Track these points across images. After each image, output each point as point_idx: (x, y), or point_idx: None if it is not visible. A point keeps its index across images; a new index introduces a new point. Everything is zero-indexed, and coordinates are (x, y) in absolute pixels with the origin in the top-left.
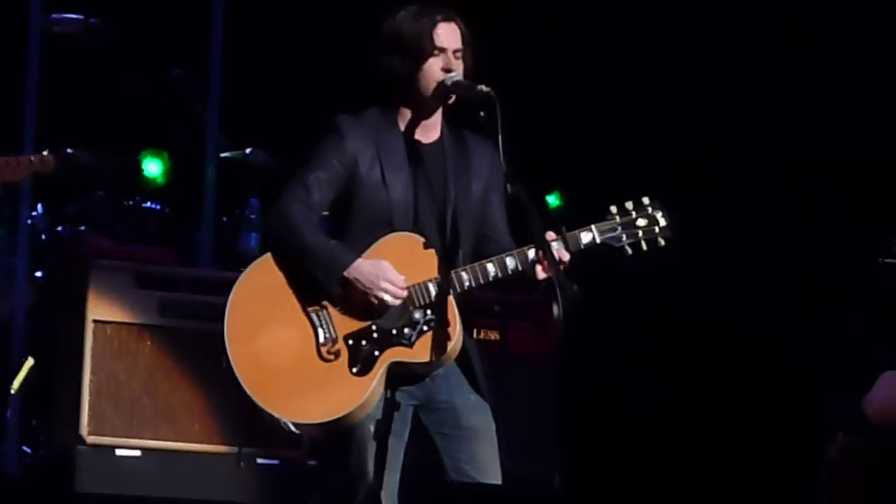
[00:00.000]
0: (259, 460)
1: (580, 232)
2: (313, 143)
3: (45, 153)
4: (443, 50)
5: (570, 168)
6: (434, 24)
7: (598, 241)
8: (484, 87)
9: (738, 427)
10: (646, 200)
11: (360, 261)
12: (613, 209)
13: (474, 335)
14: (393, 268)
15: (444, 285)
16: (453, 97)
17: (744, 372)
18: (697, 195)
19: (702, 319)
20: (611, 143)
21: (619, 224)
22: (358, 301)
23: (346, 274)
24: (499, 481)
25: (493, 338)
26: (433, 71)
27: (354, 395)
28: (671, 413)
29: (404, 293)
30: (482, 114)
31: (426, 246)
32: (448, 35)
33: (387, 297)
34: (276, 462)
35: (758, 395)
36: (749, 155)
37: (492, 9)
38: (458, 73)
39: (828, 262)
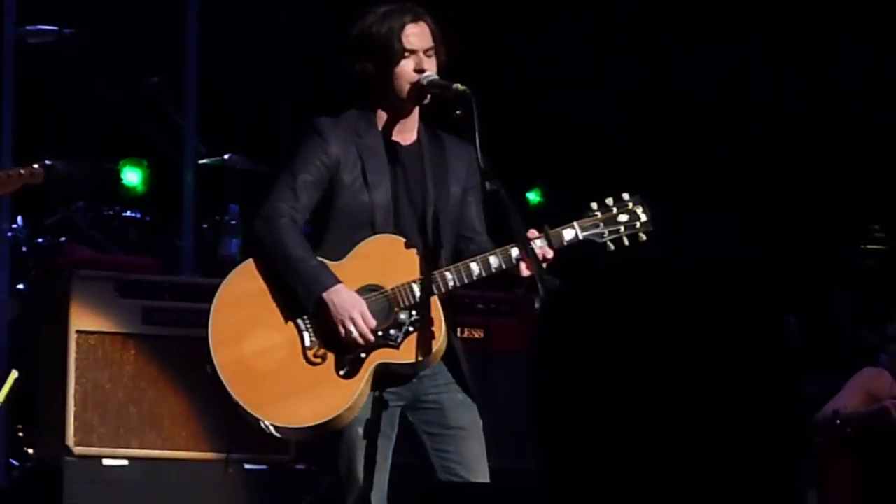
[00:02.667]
0: (246, 466)
1: (563, 229)
2: (294, 146)
3: (35, 166)
4: (413, 51)
5: (551, 164)
6: (402, 26)
7: (580, 237)
8: (459, 86)
9: (717, 417)
10: (626, 196)
11: (340, 287)
12: (594, 205)
13: (458, 334)
14: (369, 307)
15: (428, 286)
16: (429, 97)
17: (723, 361)
18: (676, 185)
19: (678, 307)
20: (591, 137)
21: (600, 220)
22: (329, 322)
23: (324, 296)
24: (487, 479)
25: (476, 336)
26: (406, 72)
27: (342, 397)
28: (650, 406)
29: (371, 336)
30: (458, 112)
31: (408, 247)
32: (418, 35)
33: (352, 330)
34: (263, 467)
35: (737, 384)
36: (729, 143)
37: (467, 4)
38: (431, 72)
39: (812, 248)
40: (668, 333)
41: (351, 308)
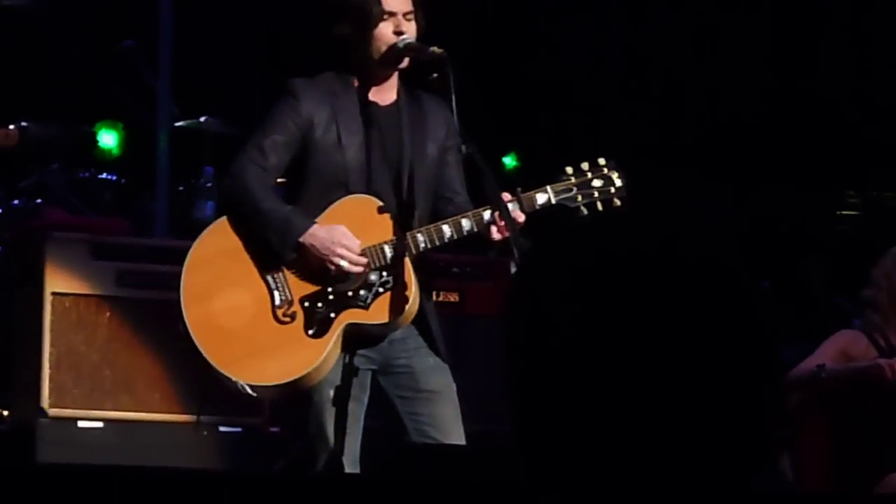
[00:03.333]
0: (221, 428)
1: (535, 193)
2: (268, 106)
3: (10, 127)
4: (392, 14)
5: (527, 129)
6: None
7: (553, 201)
8: (436, 49)
9: (690, 377)
10: (601, 161)
11: (315, 226)
12: (569, 170)
13: (433, 297)
14: (349, 233)
15: (400, 247)
16: (406, 60)
17: (696, 319)
18: (652, 150)
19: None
20: (569, 102)
21: (574, 185)
22: (313, 266)
23: (301, 240)
24: (462, 441)
25: (452, 300)
26: (384, 35)
27: (310, 357)
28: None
29: (362, 259)
30: (434, 75)
31: (382, 208)
32: None
33: (343, 263)
34: (238, 429)
35: (710, 342)
36: (708, 111)
37: None
38: (409, 36)
39: (786, 214)
40: (640, 292)
41: (332, 243)
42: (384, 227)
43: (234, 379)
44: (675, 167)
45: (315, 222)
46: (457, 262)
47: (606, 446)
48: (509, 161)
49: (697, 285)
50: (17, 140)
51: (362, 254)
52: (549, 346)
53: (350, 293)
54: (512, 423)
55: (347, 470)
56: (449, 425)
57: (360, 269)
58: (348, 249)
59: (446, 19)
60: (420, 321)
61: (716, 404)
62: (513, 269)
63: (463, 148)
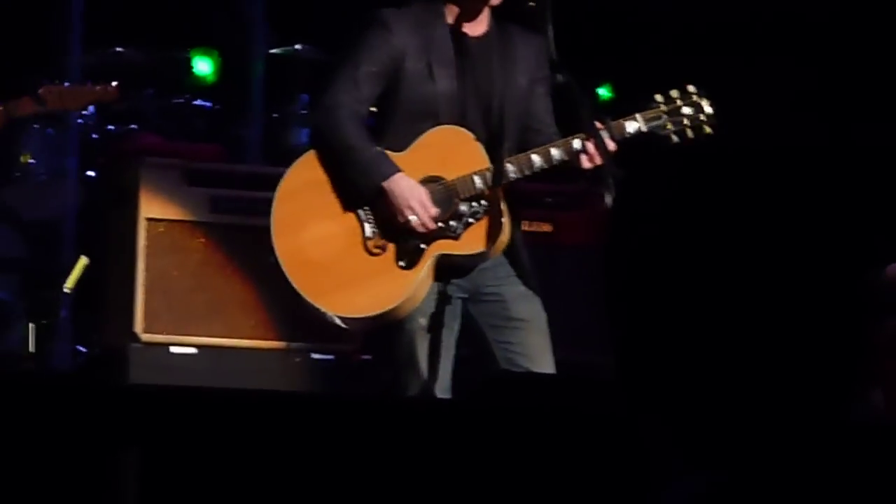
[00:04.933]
0: (312, 355)
1: (625, 121)
2: (358, 35)
3: (113, 84)
4: None
5: (622, 60)
6: None
7: (643, 129)
8: None
9: (787, 305)
10: (691, 88)
11: (399, 175)
12: (658, 97)
13: (525, 227)
14: (428, 196)
15: (490, 177)
16: None
17: (796, 244)
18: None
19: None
20: (665, 34)
21: (663, 112)
22: (390, 213)
23: (383, 185)
24: (552, 370)
25: (544, 229)
26: None
27: (401, 288)
28: (721, 298)
29: (431, 224)
30: (531, 3)
31: (471, 139)
32: None
33: (412, 218)
34: (330, 357)
35: (807, 269)
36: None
37: None
38: None
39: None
40: (740, 215)
41: (410, 196)
42: (473, 158)
43: (324, 311)
44: (767, 98)
45: (400, 170)
46: (549, 192)
47: (706, 374)
48: (604, 92)
49: (792, 212)
50: (117, 96)
51: (451, 184)
52: (648, 272)
53: (440, 224)
54: (612, 351)
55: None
56: (539, 354)
57: (424, 229)
58: (423, 206)
59: None
60: (510, 250)
61: (810, 335)
62: (607, 199)
63: (558, 77)
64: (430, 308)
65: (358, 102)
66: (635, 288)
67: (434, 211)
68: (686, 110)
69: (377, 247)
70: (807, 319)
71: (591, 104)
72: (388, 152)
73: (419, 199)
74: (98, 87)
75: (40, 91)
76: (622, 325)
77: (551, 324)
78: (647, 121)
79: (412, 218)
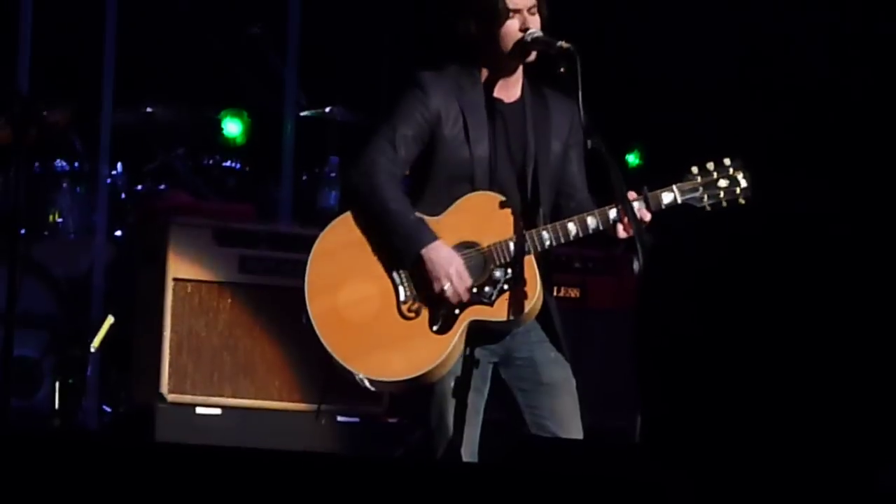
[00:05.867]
0: (339, 417)
1: (662, 192)
2: (395, 98)
3: (63, 108)
4: (517, 10)
5: (651, 126)
6: None
7: (679, 201)
8: (564, 43)
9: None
10: (727, 161)
11: (438, 243)
12: (694, 169)
13: (554, 293)
14: (466, 265)
15: (524, 244)
16: (533, 54)
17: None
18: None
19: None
20: (693, 100)
21: (700, 185)
22: (425, 279)
23: (422, 252)
24: (580, 436)
25: (573, 294)
26: (510, 31)
27: (434, 352)
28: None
29: (466, 295)
30: (562, 69)
31: (506, 204)
32: None
33: (448, 288)
34: (356, 419)
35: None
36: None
37: None
38: (536, 29)
39: None
40: (773, 282)
41: (447, 265)
42: (508, 224)
43: (356, 373)
44: (800, 164)
45: (437, 238)
46: (579, 257)
47: (734, 441)
48: (633, 158)
49: (831, 267)
50: (68, 120)
51: (486, 251)
52: (677, 341)
53: (475, 290)
54: (640, 418)
55: (466, 461)
56: (567, 419)
57: (458, 300)
58: (460, 278)
59: (572, 14)
60: (542, 316)
61: (843, 401)
62: (636, 266)
63: (589, 142)
64: (460, 371)
65: (395, 164)
66: (665, 352)
67: (469, 282)
68: (722, 183)
69: (411, 310)
70: (839, 386)
71: (621, 171)
72: (425, 216)
73: (456, 270)
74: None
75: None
76: (651, 388)
77: (580, 389)
78: (683, 192)
79: (447, 288)
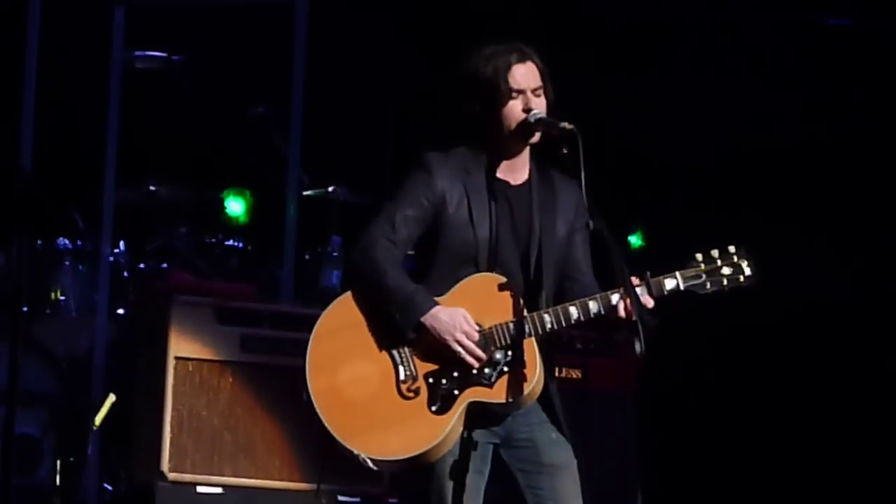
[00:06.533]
0: (340, 497)
1: (664, 278)
2: (400, 178)
3: None
4: (521, 91)
5: (653, 207)
6: (509, 66)
7: (681, 287)
8: (567, 124)
9: (827, 454)
10: (731, 248)
11: (437, 308)
12: (699, 256)
13: (555, 374)
14: (470, 318)
15: (526, 327)
16: (537, 135)
17: (835, 387)
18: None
19: (783, 339)
20: (694, 181)
21: (703, 272)
22: (433, 347)
23: (422, 320)
24: None
25: (574, 376)
26: (514, 112)
27: (433, 433)
28: (757, 444)
29: (478, 352)
30: (565, 150)
31: (509, 286)
32: (524, 76)
33: (459, 350)
34: (357, 499)
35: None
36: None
37: (570, 43)
38: (540, 111)
39: None
40: (773, 365)
41: (453, 327)
42: (510, 306)
43: (356, 452)
44: (802, 246)
45: (438, 303)
46: (580, 338)
47: None
48: (635, 240)
49: (833, 353)
50: None
51: (488, 332)
52: (679, 422)
53: (475, 371)
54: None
55: None
56: (569, 500)
57: (474, 361)
58: (468, 337)
59: (574, 96)
60: (543, 397)
61: (853, 475)
62: (638, 349)
63: (591, 223)
64: (458, 454)
65: (395, 244)
66: (666, 434)
67: (477, 336)
68: (725, 270)
69: (410, 390)
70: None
71: (623, 253)
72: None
73: (461, 328)
74: None
75: None
76: (652, 470)
77: (581, 469)
78: (685, 279)
79: (459, 349)
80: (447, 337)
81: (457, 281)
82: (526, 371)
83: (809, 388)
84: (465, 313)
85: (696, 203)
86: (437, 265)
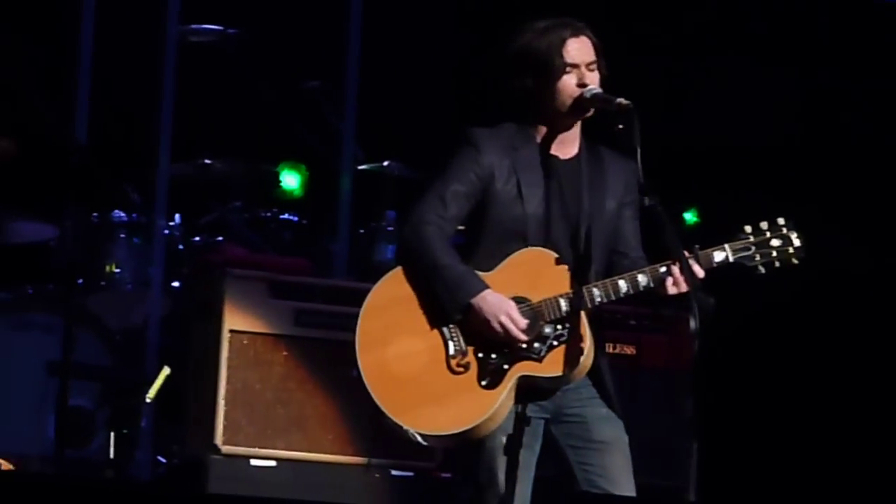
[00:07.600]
0: (392, 471)
1: (713, 251)
2: (448, 155)
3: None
4: (575, 66)
5: (709, 185)
6: (563, 41)
7: (731, 259)
8: (623, 100)
9: (882, 435)
10: (781, 220)
11: (487, 291)
12: (748, 228)
13: (609, 350)
14: (517, 309)
15: (576, 301)
16: (592, 110)
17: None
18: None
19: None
20: (751, 159)
21: (752, 244)
22: (480, 327)
23: (472, 301)
24: (632, 493)
25: (628, 352)
26: (568, 87)
27: (482, 407)
28: (809, 425)
29: (522, 336)
30: (620, 126)
31: (558, 261)
32: (579, 50)
33: (502, 332)
34: (409, 474)
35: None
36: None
37: (624, 22)
38: (594, 86)
39: None
40: (823, 343)
41: (499, 311)
42: (560, 281)
43: (405, 427)
44: (852, 223)
45: (487, 286)
46: (634, 314)
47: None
48: (690, 217)
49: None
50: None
51: (537, 307)
52: (734, 399)
53: (524, 345)
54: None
55: None
56: (619, 477)
57: (515, 342)
58: (513, 322)
59: (631, 73)
60: (594, 373)
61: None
62: (692, 324)
63: (646, 200)
64: (511, 428)
65: (444, 220)
66: (722, 408)
67: (523, 324)
68: (775, 242)
69: (460, 365)
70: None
71: (677, 229)
72: (477, 271)
73: (507, 314)
74: None
75: None
76: (708, 448)
77: (632, 446)
78: (735, 252)
79: (502, 333)
80: (492, 319)
81: (505, 256)
82: (576, 345)
83: (865, 364)
84: (513, 304)
85: (753, 180)
86: (486, 240)
